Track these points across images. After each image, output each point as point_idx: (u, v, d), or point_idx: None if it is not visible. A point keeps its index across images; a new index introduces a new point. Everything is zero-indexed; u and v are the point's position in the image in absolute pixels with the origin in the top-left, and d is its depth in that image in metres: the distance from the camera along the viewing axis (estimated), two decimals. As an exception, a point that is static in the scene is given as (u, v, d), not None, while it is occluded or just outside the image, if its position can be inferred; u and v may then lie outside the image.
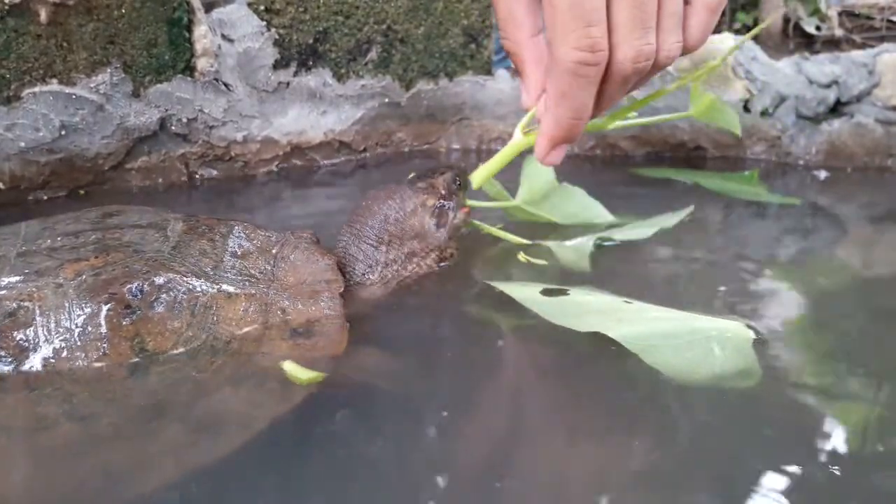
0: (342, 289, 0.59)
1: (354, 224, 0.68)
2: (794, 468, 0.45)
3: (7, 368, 0.49)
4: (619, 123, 0.69)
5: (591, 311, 0.62)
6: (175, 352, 0.52)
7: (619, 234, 0.82)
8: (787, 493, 0.43)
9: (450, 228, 0.70)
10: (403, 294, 0.67)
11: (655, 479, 0.45)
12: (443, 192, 0.69)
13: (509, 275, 0.72)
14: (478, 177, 0.70)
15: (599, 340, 0.56)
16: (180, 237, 0.58)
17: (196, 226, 0.60)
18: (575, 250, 0.78)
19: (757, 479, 0.44)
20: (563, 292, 0.65)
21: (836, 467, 0.46)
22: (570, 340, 0.59)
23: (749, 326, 0.60)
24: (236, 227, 0.61)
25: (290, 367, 0.52)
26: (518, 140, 0.66)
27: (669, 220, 0.88)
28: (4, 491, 0.42)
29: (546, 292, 0.64)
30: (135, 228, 0.58)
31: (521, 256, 0.75)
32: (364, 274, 0.66)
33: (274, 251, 0.60)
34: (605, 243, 0.81)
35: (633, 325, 0.58)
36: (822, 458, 0.47)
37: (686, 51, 0.55)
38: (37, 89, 0.88)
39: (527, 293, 0.64)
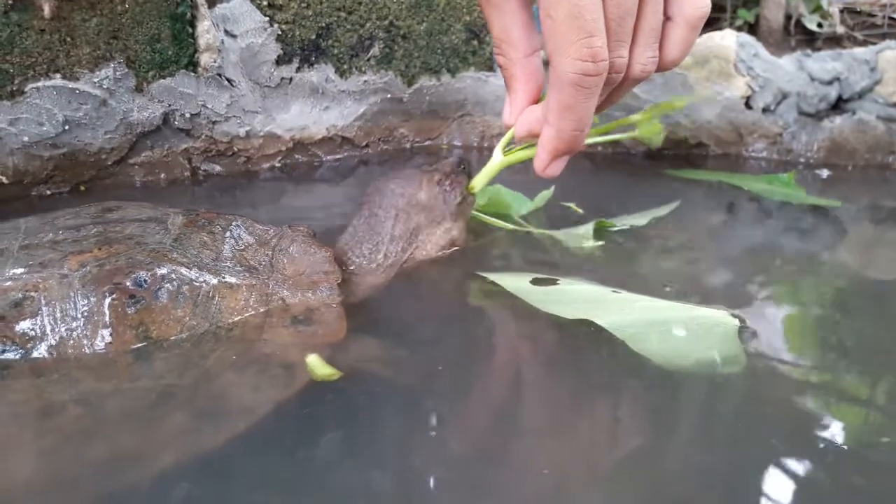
0: (340, 280, 0.60)
1: (365, 204, 0.70)
2: (782, 449, 0.46)
3: (14, 356, 0.50)
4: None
5: (579, 299, 0.63)
6: (178, 339, 0.53)
7: (618, 223, 0.86)
8: (778, 473, 0.44)
9: (454, 205, 0.72)
10: (400, 284, 0.68)
11: (648, 464, 0.46)
12: (447, 170, 0.73)
13: (502, 265, 0.74)
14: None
15: (588, 328, 0.57)
16: (181, 230, 0.59)
17: (196, 219, 0.61)
18: (579, 236, 0.80)
19: (748, 462, 0.45)
20: (552, 282, 0.66)
21: (825, 446, 0.47)
22: (560, 329, 0.60)
23: (735, 316, 0.61)
24: (235, 221, 0.62)
25: (312, 360, 0.53)
26: (498, 160, 0.68)
27: (659, 211, 0.90)
28: (13, 474, 0.43)
29: (536, 282, 0.66)
30: (135, 222, 0.59)
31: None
32: (370, 253, 0.68)
33: (272, 244, 0.62)
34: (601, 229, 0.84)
35: (620, 314, 0.59)
36: (811, 438, 0.48)
37: (664, 66, 0.56)
38: (40, 84, 0.89)
39: (517, 283, 0.65)
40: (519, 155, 0.67)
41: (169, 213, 0.61)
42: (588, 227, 0.82)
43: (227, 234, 0.60)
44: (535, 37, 0.57)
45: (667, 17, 0.54)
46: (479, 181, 0.71)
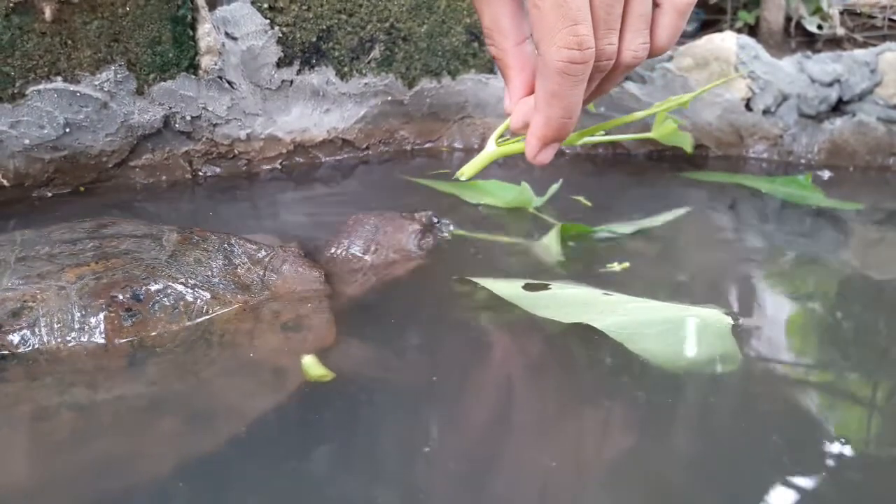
0: (331, 296, 0.61)
1: (343, 233, 0.75)
2: (778, 446, 0.47)
3: (11, 363, 0.51)
4: (587, 139, 0.70)
5: (573, 303, 0.64)
6: (171, 349, 0.54)
7: (604, 230, 0.86)
8: (774, 470, 0.45)
9: (423, 253, 0.78)
10: (389, 290, 0.69)
11: (645, 463, 0.46)
12: (424, 221, 0.80)
13: (491, 272, 0.74)
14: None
15: (583, 331, 0.58)
16: (176, 247, 0.60)
17: (190, 237, 0.62)
18: (545, 245, 0.81)
19: (744, 459, 0.46)
20: (544, 287, 0.66)
21: (821, 443, 0.48)
22: (553, 332, 0.61)
23: (728, 314, 0.61)
24: (228, 240, 0.63)
25: (308, 360, 0.54)
26: (490, 151, 0.68)
27: (660, 218, 0.90)
28: (7, 477, 0.44)
29: (528, 287, 0.66)
30: (131, 238, 0.60)
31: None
32: (348, 273, 0.71)
33: (265, 263, 0.63)
34: (574, 235, 0.84)
35: (615, 315, 0.60)
36: (807, 434, 0.49)
37: (654, 52, 0.56)
38: (41, 87, 0.89)
39: (509, 288, 0.66)
40: (512, 146, 0.67)
41: (164, 230, 0.63)
42: (554, 237, 0.83)
43: (221, 252, 0.61)
44: (524, 25, 0.58)
45: (654, 4, 0.54)
46: (469, 169, 0.71)
